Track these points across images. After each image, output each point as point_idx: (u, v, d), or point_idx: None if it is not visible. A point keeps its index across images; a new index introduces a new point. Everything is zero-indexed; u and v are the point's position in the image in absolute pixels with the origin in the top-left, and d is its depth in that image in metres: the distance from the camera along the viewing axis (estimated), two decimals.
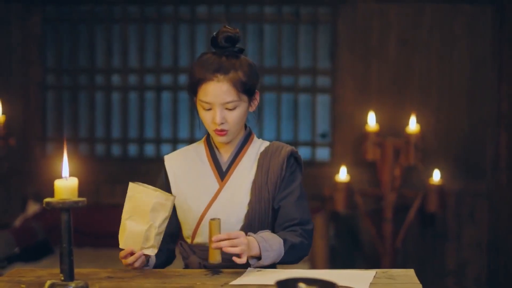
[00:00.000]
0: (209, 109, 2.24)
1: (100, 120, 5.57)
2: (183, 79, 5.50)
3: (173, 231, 2.34)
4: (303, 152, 5.43)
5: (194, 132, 5.47)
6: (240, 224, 2.26)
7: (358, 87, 5.33)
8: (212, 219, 2.11)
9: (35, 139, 5.51)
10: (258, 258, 2.15)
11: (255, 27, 5.47)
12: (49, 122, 5.59)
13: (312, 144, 5.48)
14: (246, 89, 2.24)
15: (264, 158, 2.32)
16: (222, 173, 2.32)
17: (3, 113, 4.74)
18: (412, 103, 5.22)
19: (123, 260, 2.19)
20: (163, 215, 2.13)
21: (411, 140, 4.86)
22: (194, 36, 5.47)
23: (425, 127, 5.07)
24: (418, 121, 4.95)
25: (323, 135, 5.48)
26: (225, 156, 2.34)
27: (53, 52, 5.58)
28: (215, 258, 2.10)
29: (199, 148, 2.38)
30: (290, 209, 2.28)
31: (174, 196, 2.16)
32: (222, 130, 2.25)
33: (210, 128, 2.26)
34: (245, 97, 2.25)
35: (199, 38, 5.48)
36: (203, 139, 2.40)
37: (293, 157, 2.33)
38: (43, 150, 5.55)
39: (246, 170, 2.32)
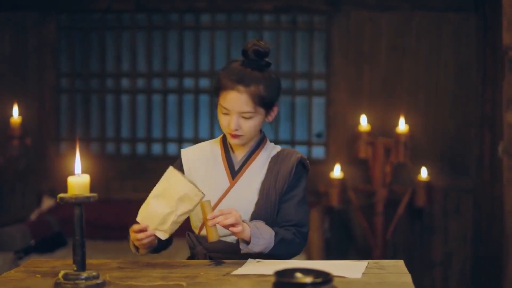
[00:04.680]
0: (227, 114, 2.24)
1: (111, 121, 5.57)
2: (188, 82, 5.50)
3: None
4: (300, 151, 5.36)
5: (198, 132, 5.47)
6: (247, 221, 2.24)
7: (351, 90, 5.33)
8: (203, 201, 2.11)
9: (49, 139, 5.51)
10: (248, 243, 2.15)
11: (255, 34, 5.46)
12: (63, 123, 5.59)
13: (308, 144, 5.48)
14: (264, 102, 2.23)
15: (275, 162, 2.32)
16: (234, 172, 2.31)
17: (19, 115, 4.75)
18: (402, 105, 5.22)
19: (133, 234, 2.13)
20: (187, 207, 2.09)
21: (401, 139, 4.86)
22: (198, 42, 5.47)
23: (413, 127, 5.07)
24: (407, 122, 4.95)
25: (319, 135, 5.48)
26: (238, 156, 2.33)
27: (66, 57, 5.58)
28: (213, 236, 2.10)
29: (214, 147, 2.37)
30: (289, 211, 2.27)
31: (203, 195, 2.10)
32: (236, 135, 2.25)
33: (226, 130, 2.27)
34: (261, 110, 2.24)
35: (203, 44, 5.48)
36: (219, 138, 2.39)
37: (301, 164, 2.33)
38: (57, 149, 5.55)
39: (257, 171, 2.31)
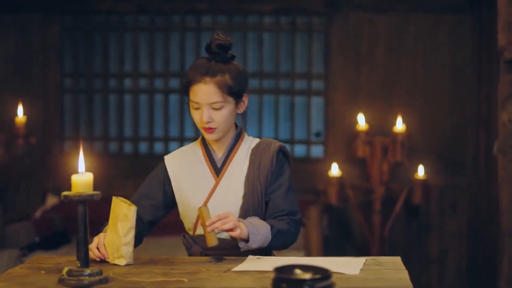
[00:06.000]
0: (198, 109, 2.25)
1: (113, 120, 5.57)
2: None
3: (150, 219, 2.32)
4: (299, 150, 5.44)
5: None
6: (236, 216, 2.24)
7: (349, 90, 5.33)
8: (201, 207, 2.12)
9: (53, 138, 5.51)
10: (246, 241, 2.15)
11: (255, 35, 5.46)
12: (67, 122, 5.59)
13: (307, 143, 5.48)
14: (232, 92, 2.25)
15: (255, 154, 2.32)
16: (218, 170, 2.32)
17: (24, 114, 4.76)
18: (399, 104, 5.21)
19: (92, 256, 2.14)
20: (127, 225, 2.08)
21: (398, 138, 4.86)
22: (199, 43, 5.47)
23: (410, 126, 5.07)
24: (404, 121, 4.94)
25: (317, 134, 5.48)
26: (219, 154, 2.34)
27: (70, 58, 5.58)
28: (212, 241, 2.10)
29: (195, 148, 2.38)
30: (279, 201, 2.27)
31: (136, 208, 2.09)
32: (209, 128, 2.26)
33: (199, 126, 2.28)
34: (231, 99, 2.25)
35: (204, 45, 5.44)
36: (199, 139, 2.40)
37: (281, 152, 2.32)
38: (61, 148, 5.55)
39: (239, 166, 2.31)
